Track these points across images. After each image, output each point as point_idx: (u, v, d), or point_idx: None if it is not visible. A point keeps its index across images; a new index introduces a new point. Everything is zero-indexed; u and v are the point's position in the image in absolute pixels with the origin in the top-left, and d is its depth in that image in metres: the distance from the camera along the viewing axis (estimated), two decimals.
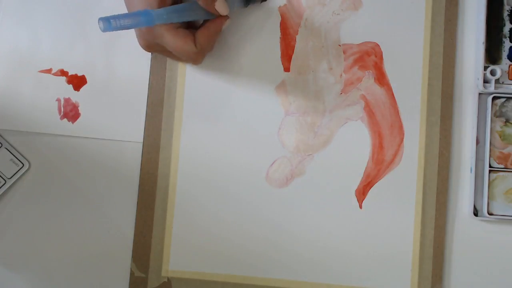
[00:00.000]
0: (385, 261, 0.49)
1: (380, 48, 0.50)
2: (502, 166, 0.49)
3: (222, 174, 0.50)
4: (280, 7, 0.50)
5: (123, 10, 0.46)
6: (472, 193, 0.49)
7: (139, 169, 0.50)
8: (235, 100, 0.50)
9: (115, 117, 0.51)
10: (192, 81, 0.51)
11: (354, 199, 0.50)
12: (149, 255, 0.50)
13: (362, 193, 0.50)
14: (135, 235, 0.50)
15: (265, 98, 0.50)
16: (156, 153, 0.50)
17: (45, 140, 0.51)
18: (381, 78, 0.50)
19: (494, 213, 0.49)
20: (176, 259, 0.50)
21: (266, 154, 0.50)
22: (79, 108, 0.51)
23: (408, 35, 0.50)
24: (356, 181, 0.50)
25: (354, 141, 0.50)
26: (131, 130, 0.50)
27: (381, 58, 0.50)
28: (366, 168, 0.50)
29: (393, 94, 0.50)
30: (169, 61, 0.51)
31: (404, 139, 0.50)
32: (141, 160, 0.50)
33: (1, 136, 0.51)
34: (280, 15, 0.50)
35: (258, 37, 0.50)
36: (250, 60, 0.50)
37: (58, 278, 0.50)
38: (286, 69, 0.50)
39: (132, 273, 0.50)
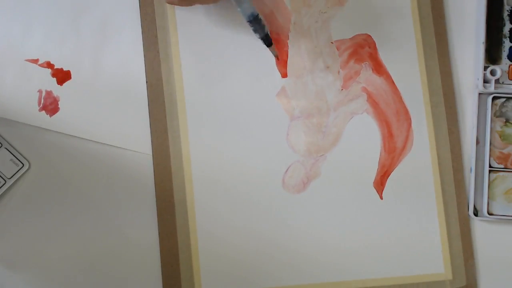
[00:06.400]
0: (415, 246, 0.49)
1: (373, 39, 0.50)
2: (502, 166, 0.49)
3: (238, 188, 0.49)
4: (266, 14, 0.49)
5: (120, 8, 0.45)
6: (472, 193, 0.49)
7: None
8: (238, 112, 0.49)
9: (95, 116, 0.50)
10: (191, 89, 0.49)
11: (374, 191, 0.49)
12: (180, 285, 0.48)
13: (380, 183, 0.49)
14: (162, 265, 0.48)
15: (268, 108, 0.49)
16: (167, 161, 0.49)
17: (45, 140, 0.51)
18: (378, 68, 0.50)
19: (494, 213, 0.49)
20: (208, 283, 0.48)
21: (279, 162, 0.49)
22: (59, 102, 0.50)
23: (397, 21, 0.50)
24: (372, 173, 0.49)
25: (363, 134, 0.50)
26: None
27: (375, 48, 0.50)
28: (380, 158, 0.49)
29: (393, 81, 0.50)
30: (163, 68, 0.49)
31: (412, 123, 0.50)
32: (153, 172, 0.49)
33: (1, 136, 0.51)
34: (268, 23, 0.49)
35: (251, 48, 0.49)
36: (246, 73, 0.49)
37: (58, 278, 0.50)
38: (284, 75, 0.50)
39: None
